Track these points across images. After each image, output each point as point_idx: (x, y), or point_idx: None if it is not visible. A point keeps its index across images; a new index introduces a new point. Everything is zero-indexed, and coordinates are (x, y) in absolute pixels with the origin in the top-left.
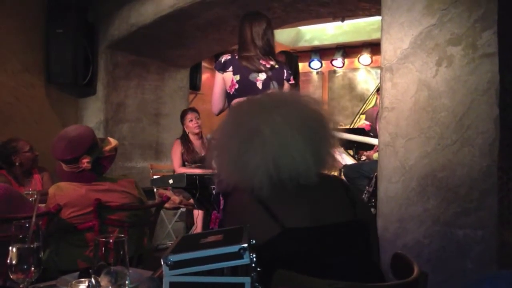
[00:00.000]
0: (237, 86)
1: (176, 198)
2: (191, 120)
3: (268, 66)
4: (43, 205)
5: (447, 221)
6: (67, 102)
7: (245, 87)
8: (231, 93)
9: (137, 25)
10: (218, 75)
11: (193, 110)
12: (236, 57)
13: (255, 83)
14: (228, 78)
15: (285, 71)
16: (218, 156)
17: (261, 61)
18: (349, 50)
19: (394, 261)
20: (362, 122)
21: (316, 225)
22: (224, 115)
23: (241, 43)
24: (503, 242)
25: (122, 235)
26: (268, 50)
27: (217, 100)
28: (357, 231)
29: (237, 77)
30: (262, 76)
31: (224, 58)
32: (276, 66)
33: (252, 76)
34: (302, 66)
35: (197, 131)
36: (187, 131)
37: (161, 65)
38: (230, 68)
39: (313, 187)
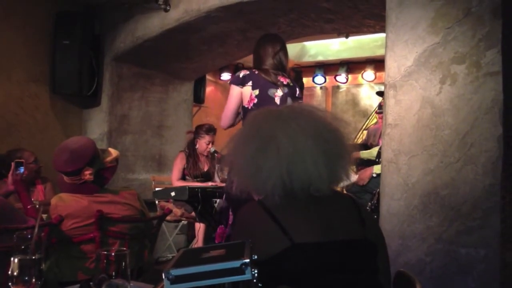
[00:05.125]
0: (255, 100)
1: (177, 211)
2: (208, 144)
3: (285, 83)
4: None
5: (449, 239)
6: (72, 112)
7: (264, 101)
8: (249, 107)
9: (142, 38)
10: (236, 90)
11: (214, 133)
12: (255, 72)
13: (274, 98)
14: (247, 93)
15: (297, 89)
16: (233, 161)
17: (278, 77)
18: (353, 66)
19: (397, 279)
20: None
21: (325, 240)
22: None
23: (254, 60)
24: (506, 262)
25: (124, 248)
26: (280, 68)
27: (230, 116)
28: (365, 250)
29: (256, 92)
30: (280, 92)
31: (243, 73)
32: (291, 84)
33: (270, 91)
34: (306, 81)
35: (206, 155)
36: (197, 146)
37: (165, 77)
38: (250, 83)
39: (325, 201)
